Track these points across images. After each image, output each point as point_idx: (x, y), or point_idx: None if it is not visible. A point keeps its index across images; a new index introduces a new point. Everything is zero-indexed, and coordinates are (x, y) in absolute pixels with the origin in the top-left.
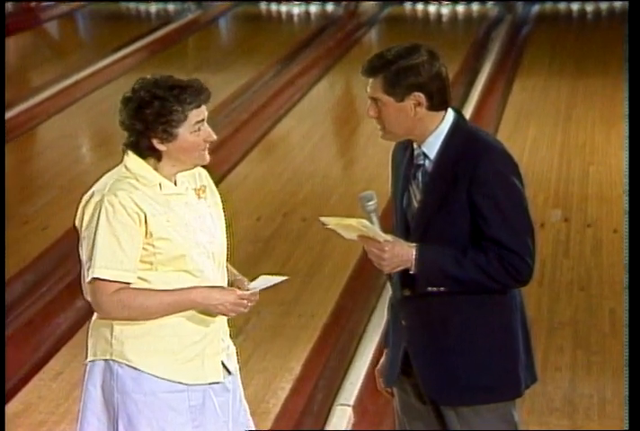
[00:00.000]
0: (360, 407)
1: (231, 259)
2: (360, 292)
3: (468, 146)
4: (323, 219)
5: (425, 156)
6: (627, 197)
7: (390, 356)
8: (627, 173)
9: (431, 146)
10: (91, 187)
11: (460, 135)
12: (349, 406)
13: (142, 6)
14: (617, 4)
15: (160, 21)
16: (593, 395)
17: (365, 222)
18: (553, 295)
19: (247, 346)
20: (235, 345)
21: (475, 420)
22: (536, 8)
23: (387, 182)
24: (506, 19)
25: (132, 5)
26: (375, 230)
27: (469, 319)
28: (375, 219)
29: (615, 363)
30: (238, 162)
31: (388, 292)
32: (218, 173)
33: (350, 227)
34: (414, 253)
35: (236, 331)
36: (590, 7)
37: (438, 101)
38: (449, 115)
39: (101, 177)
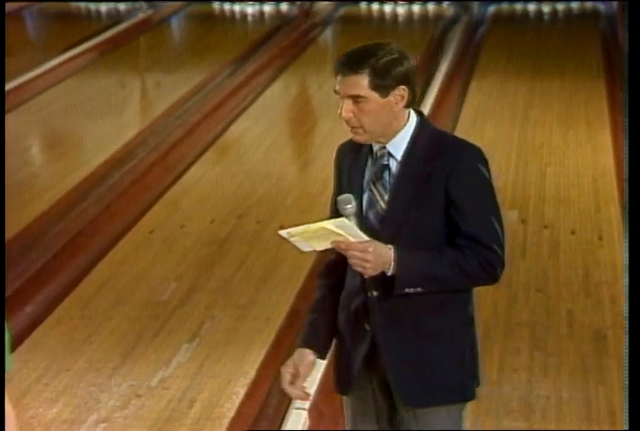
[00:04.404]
0: (315, 410)
1: (185, 261)
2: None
3: (439, 145)
4: (284, 232)
5: (390, 156)
6: (627, 196)
7: (344, 362)
8: (627, 174)
9: (397, 146)
10: (40, 189)
11: (427, 134)
12: (304, 409)
13: (92, 5)
14: (575, 5)
15: (111, 21)
16: (550, 396)
17: (342, 220)
18: (510, 297)
19: (201, 350)
20: (189, 349)
21: (432, 421)
22: (492, 8)
23: None
24: (462, 19)
25: (82, 4)
26: (355, 229)
27: (438, 318)
28: (354, 222)
29: (572, 364)
30: (192, 164)
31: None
32: (172, 175)
33: (320, 235)
34: (393, 254)
35: (191, 335)
36: (547, 8)
37: (414, 96)
38: (413, 115)
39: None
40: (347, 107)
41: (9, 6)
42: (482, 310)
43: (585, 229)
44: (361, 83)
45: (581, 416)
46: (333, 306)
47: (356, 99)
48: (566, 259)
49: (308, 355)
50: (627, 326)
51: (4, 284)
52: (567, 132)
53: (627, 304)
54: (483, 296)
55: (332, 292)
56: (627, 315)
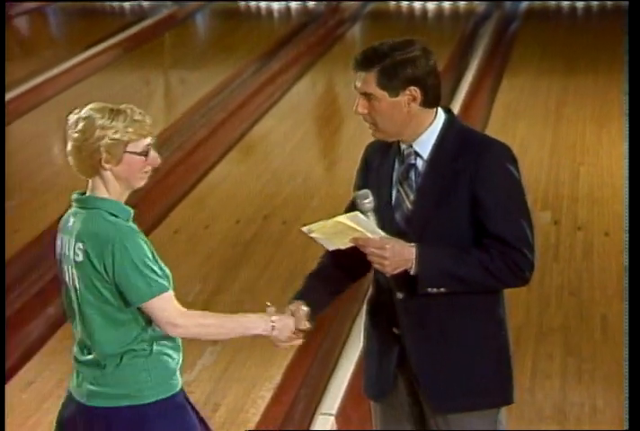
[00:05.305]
0: (342, 416)
1: (209, 262)
2: (342, 298)
3: (466, 143)
4: (305, 228)
5: (417, 155)
6: (627, 198)
7: (377, 367)
8: (627, 174)
9: (424, 145)
10: (62, 188)
11: (454, 132)
12: (331, 415)
13: (115, 2)
14: (609, 2)
15: (134, 18)
16: (584, 403)
17: (358, 215)
18: (542, 301)
19: (226, 353)
20: (213, 352)
21: (465, 426)
22: (524, 4)
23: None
24: (494, 15)
25: (106, 1)
26: (372, 225)
27: (466, 321)
28: (372, 218)
29: (606, 370)
30: (217, 163)
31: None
32: (197, 174)
33: (339, 230)
34: (415, 252)
35: None
36: (580, 4)
37: (432, 97)
38: (441, 113)
39: None
40: (359, 103)
41: (32, 3)
42: (513, 314)
43: (619, 230)
44: (371, 81)
45: (615, 424)
46: (332, 275)
47: (368, 96)
48: (600, 262)
49: (301, 306)
50: (627, 326)
51: (3, 286)
52: (601, 130)
53: (627, 304)
54: (514, 300)
55: (331, 266)
56: (627, 315)
